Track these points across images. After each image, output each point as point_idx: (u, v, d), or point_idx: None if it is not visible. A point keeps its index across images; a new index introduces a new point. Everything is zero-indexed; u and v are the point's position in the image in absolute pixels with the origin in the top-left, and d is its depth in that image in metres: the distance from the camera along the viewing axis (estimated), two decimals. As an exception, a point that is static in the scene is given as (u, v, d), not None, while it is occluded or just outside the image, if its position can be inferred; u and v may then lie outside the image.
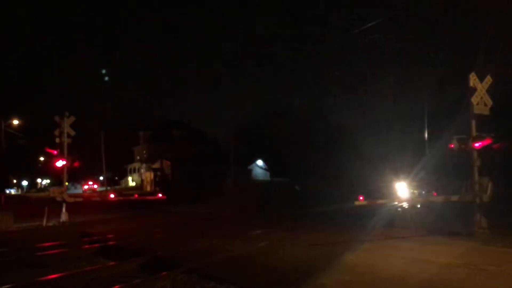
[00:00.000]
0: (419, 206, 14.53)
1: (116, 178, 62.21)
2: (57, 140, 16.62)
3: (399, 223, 13.57)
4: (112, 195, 28.00)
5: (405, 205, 15.80)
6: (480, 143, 10.32)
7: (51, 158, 17.87)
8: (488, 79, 10.86)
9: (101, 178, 55.54)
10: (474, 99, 10.62)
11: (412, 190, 15.89)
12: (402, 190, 15.95)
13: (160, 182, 44.66)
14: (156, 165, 47.07)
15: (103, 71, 52.93)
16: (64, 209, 16.15)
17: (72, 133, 16.71)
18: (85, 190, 53.83)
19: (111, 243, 10.17)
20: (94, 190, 53.63)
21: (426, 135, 21.86)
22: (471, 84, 10.69)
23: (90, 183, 56.82)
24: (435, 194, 15.77)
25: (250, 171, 50.64)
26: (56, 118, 16.57)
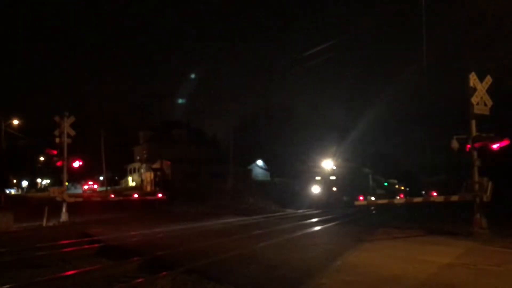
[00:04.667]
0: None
1: (116, 178, 62.12)
2: (57, 140, 16.63)
3: None
4: (112, 195, 27.99)
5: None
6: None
7: (51, 158, 17.89)
8: (488, 79, 10.87)
9: (101, 178, 55.50)
10: (474, 99, 10.63)
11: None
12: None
13: (160, 182, 44.60)
14: (156, 165, 47.02)
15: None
16: (64, 209, 16.16)
17: (72, 133, 16.72)
18: (85, 190, 53.79)
19: (111, 243, 10.16)
20: (94, 190, 53.61)
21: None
22: (471, 84, 10.69)
23: (90, 183, 56.75)
24: (434, 193, 15.78)
25: (250, 171, 50.63)
26: (56, 118, 16.58)
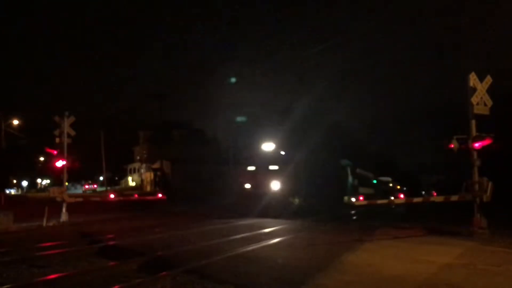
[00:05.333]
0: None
1: (116, 178, 62.19)
2: (57, 140, 16.61)
3: None
4: (112, 195, 28.00)
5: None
6: (479, 143, 10.32)
7: (51, 158, 17.88)
8: (488, 79, 10.87)
9: (101, 178, 55.57)
10: (474, 99, 10.63)
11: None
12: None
13: (160, 182, 44.63)
14: (156, 165, 47.05)
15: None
16: (64, 209, 16.13)
17: (72, 133, 16.70)
18: (85, 190, 53.85)
19: (111, 243, 10.16)
20: (94, 190, 53.66)
21: None
22: (471, 84, 10.70)
23: (90, 183, 56.84)
24: (435, 194, 15.72)
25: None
26: (56, 118, 16.56)
